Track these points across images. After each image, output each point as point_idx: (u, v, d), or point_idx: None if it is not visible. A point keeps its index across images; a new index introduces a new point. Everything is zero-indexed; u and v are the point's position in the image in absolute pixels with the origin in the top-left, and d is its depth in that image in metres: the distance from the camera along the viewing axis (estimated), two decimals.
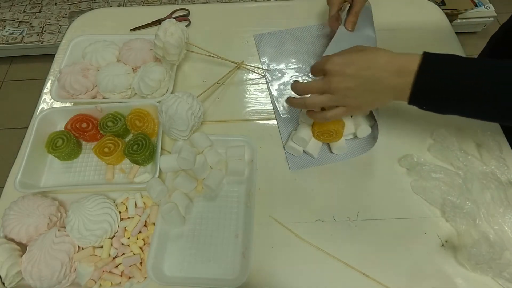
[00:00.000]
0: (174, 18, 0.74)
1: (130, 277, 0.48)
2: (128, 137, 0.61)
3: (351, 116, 0.56)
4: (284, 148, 0.58)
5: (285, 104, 0.64)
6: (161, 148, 0.57)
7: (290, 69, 0.69)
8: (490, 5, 1.58)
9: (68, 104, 0.64)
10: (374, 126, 0.57)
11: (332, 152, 0.57)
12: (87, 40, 0.69)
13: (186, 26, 0.76)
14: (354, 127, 0.56)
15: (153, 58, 0.66)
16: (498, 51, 0.69)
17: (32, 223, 0.48)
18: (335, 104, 0.46)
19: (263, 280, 0.48)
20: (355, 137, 0.57)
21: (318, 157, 0.57)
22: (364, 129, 0.55)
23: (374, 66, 0.43)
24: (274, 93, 0.66)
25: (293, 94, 0.67)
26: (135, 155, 0.54)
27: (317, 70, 0.47)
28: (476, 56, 0.63)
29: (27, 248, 0.48)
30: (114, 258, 0.49)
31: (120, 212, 0.51)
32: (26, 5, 1.79)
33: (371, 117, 0.57)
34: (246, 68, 0.69)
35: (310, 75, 0.67)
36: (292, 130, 0.59)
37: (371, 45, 0.57)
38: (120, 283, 0.47)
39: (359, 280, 0.48)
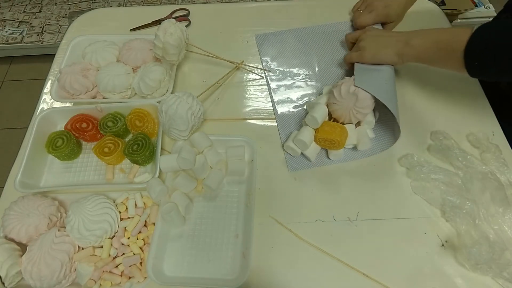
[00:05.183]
0: (174, 18, 0.74)
1: (130, 277, 0.48)
2: (128, 137, 0.61)
3: (356, 127, 0.57)
4: (282, 147, 0.59)
5: (284, 103, 0.64)
6: (161, 148, 0.57)
7: (291, 68, 0.69)
8: (490, 5, 1.58)
9: (68, 104, 0.64)
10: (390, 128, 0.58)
11: (328, 158, 0.57)
12: (87, 40, 0.69)
13: (186, 26, 0.76)
14: (357, 140, 0.56)
15: (153, 58, 0.66)
16: None
17: (32, 223, 0.48)
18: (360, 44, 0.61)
19: (263, 280, 0.48)
20: (354, 147, 0.58)
21: (314, 161, 0.57)
22: (365, 143, 0.56)
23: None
24: (274, 92, 0.66)
25: (292, 94, 0.67)
26: (135, 155, 0.54)
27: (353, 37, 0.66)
28: None
29: (27, 248, 0.48)
30: (114, 258, 0.49)
31: (120, 212, 0.51)
32: (26, 5, 1.79)
33: (373, 131, 0.58)
34: (246, 68, 0.69)
35: (309, 80, 0.67)
36: (294, 130, 0.59)
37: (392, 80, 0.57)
38: (120, 283, 0.47)
39: (359, 280, 0.48)
